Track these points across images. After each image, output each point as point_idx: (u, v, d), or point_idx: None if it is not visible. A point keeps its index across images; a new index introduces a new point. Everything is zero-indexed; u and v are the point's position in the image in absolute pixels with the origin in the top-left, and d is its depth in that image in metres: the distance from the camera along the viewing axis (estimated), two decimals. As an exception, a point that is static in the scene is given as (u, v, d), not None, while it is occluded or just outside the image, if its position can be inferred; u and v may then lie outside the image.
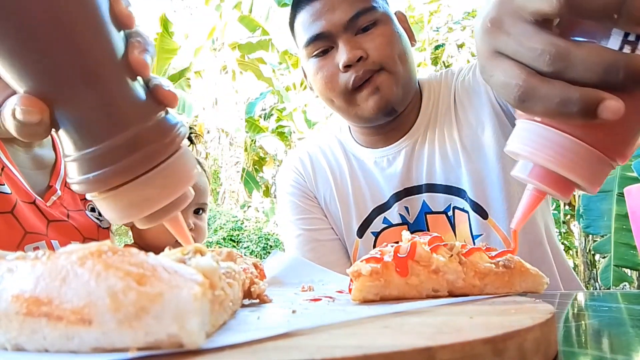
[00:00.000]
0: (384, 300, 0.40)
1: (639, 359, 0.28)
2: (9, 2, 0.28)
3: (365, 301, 0.39)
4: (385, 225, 0.90)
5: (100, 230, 0.83)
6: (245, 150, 10.38)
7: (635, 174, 3.05)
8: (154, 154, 0.33)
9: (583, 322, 0.41)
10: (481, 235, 0.83)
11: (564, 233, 8.09)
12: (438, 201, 0.87)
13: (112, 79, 0.32)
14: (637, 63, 0.28)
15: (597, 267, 7.26)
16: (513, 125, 0.36)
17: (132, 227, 1.00)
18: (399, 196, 0.89)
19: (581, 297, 0.61)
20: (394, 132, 0.89)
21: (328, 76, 0.83)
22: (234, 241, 7.45)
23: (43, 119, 0.31)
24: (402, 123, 0.89)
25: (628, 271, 5.19)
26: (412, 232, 0.47)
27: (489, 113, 0.84)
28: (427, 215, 0.87)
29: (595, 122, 0.29)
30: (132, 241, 1.04)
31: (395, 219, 0.89)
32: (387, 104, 0.82)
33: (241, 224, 7.96)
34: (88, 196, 0.34)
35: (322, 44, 0.83)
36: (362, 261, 0.41)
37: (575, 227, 8.15)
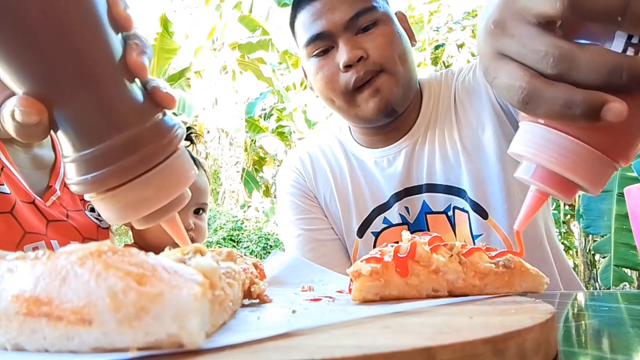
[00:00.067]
0: (384, 300, 0.40)
1: (639, 359, 0.28)
2: (7, 4, 0.28)
3: (365, 301, 0.39)
4: (386, 225, 0.90)
5: (100, 230, 0.83)
6: (245, 150, 10.38)
7: (635, 174, 3.06)
8: (151, 155, 0.33)
9: (583, 322, 0.41)
10: (481, 235, 0.83)
11: (564, 233, 8.09)
12: (438, 201, 0.87)
13: (110, 80, 0.32)
14: None
15: (597, 267, 7.26)
16: (513, 125, 0.36)
17: (132, 227, 1.00)
18: (399, 196, 0.89)
19: (581, 297, 0.61)
20: (394, 132, 0.89)
21: (328, 76, 0.83)
22: (234, 241, 7.45)
23: (42, 120, 0.31)
24: (402, 123, 0.89)
25: (628, 271, 5.20)
26: (412, 232, 0.47)
27: (489, 113, 0.84)
28: (427, 215, 0.87)
29: (598, 124, 0.29)
30: (132, 241, 1.04)
31: (396, 219, 0.89)
32: (388, 105, 0.82)
33: (241, 224, 7.96)
34: (86, 197, 0.34)
35: (323, 43, 0.83)
36: (362, 261, 0.41)
37: (575, 227, 8.16)
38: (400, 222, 0.89)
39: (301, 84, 9.87)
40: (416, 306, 0.34)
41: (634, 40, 0.30)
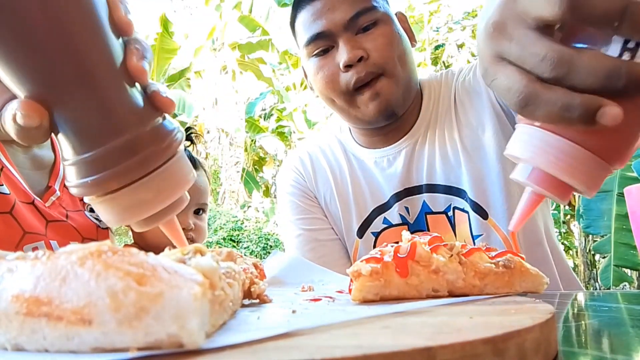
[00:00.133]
0: (384, 300, 0.40)
1: (639, 359, 0.28)
2: (9, 8, 0.29)
3: (365, 301, 0.39)
4: (386, 226, 0.90)
5: (99, 231, 0.83)
6: (245, 150, 10.38)
7: (635, 174, 3.06)
8: (151, 159, 0.33)
9: (583, 322, 0.41)
10: (481, 235, 0.83)
11: (564, 233, 8.09)
12: (438, 201, 0.87)
13: (110, 84, 0.33)
14: (637, 70, 0.29)
15: (597, 267, 7.26)
16: (513, 125, 0.36)
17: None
18: (399, 196, 0.89)
19: (581, 297, 0.61)
20: (394, 132, 0.89)
21: (329, 75, 0.83)
22: (234, 241, 7.45)
23: (42, 123, 0.31)
24: (402, 123, 0.89)
25: (628, 271, 5.20)
26: (412, 232, 0.47)
27: (490, 113, 0.84)
28: (427, 216, 0.87)
29: (594, 127, 0.29)
30: (132, 241, 1.04)
31: (396, 219, 0.89)
32: (388, 107, 0.82)
33: (241, 224, 7.96)
34: (86, 199, 0.35)
35: (323, 43, 0.83)
36: (362, 261, 0.41)
37: (575, 227, 8.15)
38: (400, 222, 0.89)
39: (301, 84, 9.87)
40: (416, 306, 0.34)
41: (630, 45, 0.30)
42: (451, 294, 0.41)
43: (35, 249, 0.71)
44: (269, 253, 1.74)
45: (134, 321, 0.20)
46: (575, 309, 0.51)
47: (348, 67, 0.80)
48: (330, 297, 0.42)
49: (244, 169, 9.99)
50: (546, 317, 0.27)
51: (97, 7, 0.32)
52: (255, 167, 11.02)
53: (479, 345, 0.22)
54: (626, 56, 0.30)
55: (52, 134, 0.33)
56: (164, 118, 0.35)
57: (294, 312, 0.32)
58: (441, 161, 0.86)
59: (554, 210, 7.36)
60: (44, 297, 0.20)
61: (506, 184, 0.81)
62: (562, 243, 7.85)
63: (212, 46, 9.66)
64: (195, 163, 1.05)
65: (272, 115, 11.07)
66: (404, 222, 0.89)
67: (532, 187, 0.35)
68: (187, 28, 9.74)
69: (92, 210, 0.84)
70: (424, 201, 0.87)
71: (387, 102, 0.81)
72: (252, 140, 10.65)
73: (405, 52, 0.83)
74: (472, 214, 0.84)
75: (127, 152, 0.32)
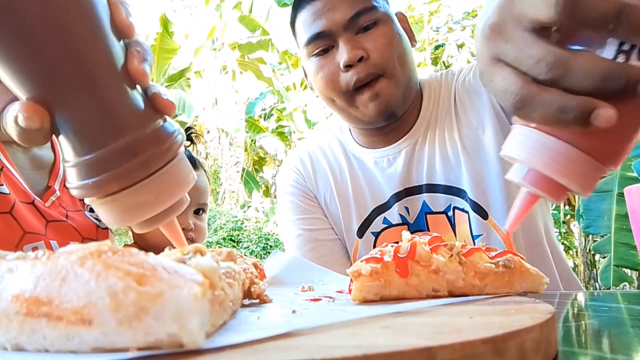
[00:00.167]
0: (384, 300, 0.40)
1: (639, 359, 0.28)
2: (10, 9, 0.29)
3: (365, 301, 0.39)
4: (385, 226, 0.90)
5: (99, 231, 0.83)
6: (245, 150, 10.38)
7: (635, 174, 3.05)
8: (151, 161, 0.33)
9: (583, 322, 0.41)
10: (481, 235, 0.83)
11: (564, 233, 8.09)
12: (438, 201, 0.87)
13: (111, 87, 0.33)
14: (632, 72, 0.29)
15: (597, 267, 7.26)
16: (513, 126, 0.36)
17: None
18: (399, 196, 0.89)
19: (581, 297, 0.61)
20: (394, 132, 0.89)
21: (329, 75, 0.83)
22: (234, 241, 7.45)
23: (43, 125, 0.31)
24: (402, 124, 0.89)
25: (628, 271, 5.19)
26: (412, 232, 0.47)
27: (490, 113, 0.84)
28: (427, 216, 0.87)
29: (589, 129, 0.30)
30: (132, 241, 1.04)
31: (395, 219, 0.89)
32: (388, 108, 0.82)
33: (241, 224, 7.96)
34: (86, 201, 0.35)
35: (323, 42, 0.83)
36: (362, 261, 0.41)
37: (575, 227, 8.15)
38: (400, 222, 0.89)
39: (301, 84, 9.87)
40: (416, 306, 0.34)
41: (625, 47, 0.31)
42: (451, 294, 0.41)
43: (35, 249, 0.71)
44: (269, 253, 1.74)
45: (134, 321, 0.20)
46: (575, 309, 0.51)
47: (348, 67, 0.80)
48: (330, 297, 0.42)
49: (244, 169, 9.99)
50: (546, 317, 0.27)
51: (98, 9, 0.32)
52: (255, 167, 11.02)
53: (479, 345, 0.22)
54: (621, 58, 0.31)
55: (53, 136, 0.34)
56: (165, 120, 0.36)
57: (294, 312, 0.32)
58: (441, 161, 0.86)
59: (554, 210, 7.37)
60: (44, 297, 0.20)
61: (506, 184, 0.81)
62: (562, 243, 7.85)
63: (212, 46, 9.66)
64: (195, 163, 1.05)
65: (272, 115, 11.07)
66: (404, 222, 0.89)
67: (528, 188, 0.35)
68: (187, 28, 9.74)
69: (92, 211, 0.84)
70: (424, 201, 0.87)
71: (386, 103, 0.82)
72: (252, 140, 10.65)
73: (405, 52, 0.83)
74: (472, 214, 0.84)
75: (127, 154, 0.32)
